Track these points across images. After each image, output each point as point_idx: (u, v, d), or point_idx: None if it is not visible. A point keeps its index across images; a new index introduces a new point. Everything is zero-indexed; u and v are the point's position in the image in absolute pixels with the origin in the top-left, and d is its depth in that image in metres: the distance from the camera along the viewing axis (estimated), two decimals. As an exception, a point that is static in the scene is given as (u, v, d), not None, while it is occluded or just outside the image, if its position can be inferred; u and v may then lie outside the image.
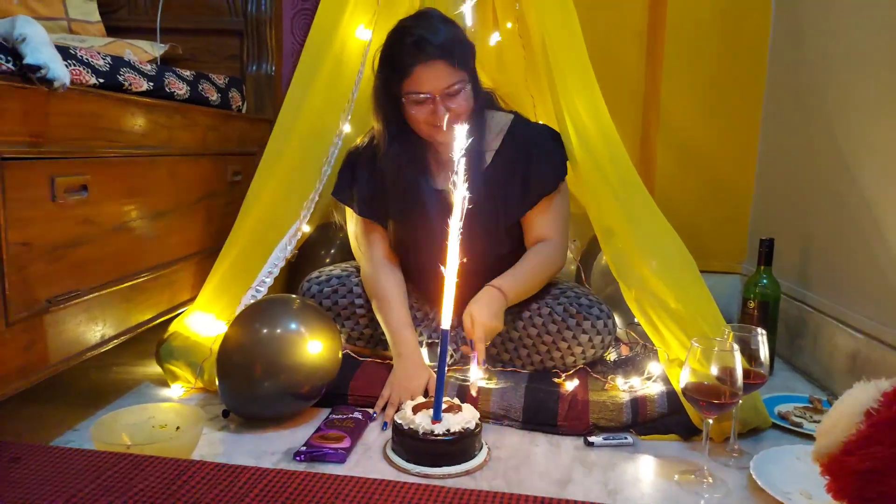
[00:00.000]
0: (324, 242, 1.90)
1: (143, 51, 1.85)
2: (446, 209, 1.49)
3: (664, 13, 2.15)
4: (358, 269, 1.68)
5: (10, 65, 1.02)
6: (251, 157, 1.90)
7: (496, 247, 1.55)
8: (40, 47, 1.03)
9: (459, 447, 1.18)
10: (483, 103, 1.56)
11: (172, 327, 1.57)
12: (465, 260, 1.28)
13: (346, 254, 1.88)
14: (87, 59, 1.23)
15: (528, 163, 1.54)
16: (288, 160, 1.64)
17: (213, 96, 1.74)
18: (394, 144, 1.52)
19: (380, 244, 1.61)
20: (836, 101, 1.68)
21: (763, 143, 2.17)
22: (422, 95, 1.42)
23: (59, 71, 1.03)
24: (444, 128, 1.43)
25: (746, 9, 2.12)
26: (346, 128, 1.69)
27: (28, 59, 1.01)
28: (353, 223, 1.65)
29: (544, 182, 1.54)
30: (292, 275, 1.84)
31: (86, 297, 1.21)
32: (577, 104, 1.63)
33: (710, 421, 1.15)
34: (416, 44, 1.40)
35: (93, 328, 1.24)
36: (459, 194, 1.24)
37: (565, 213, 1.61)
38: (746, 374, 1.15)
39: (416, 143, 1.54)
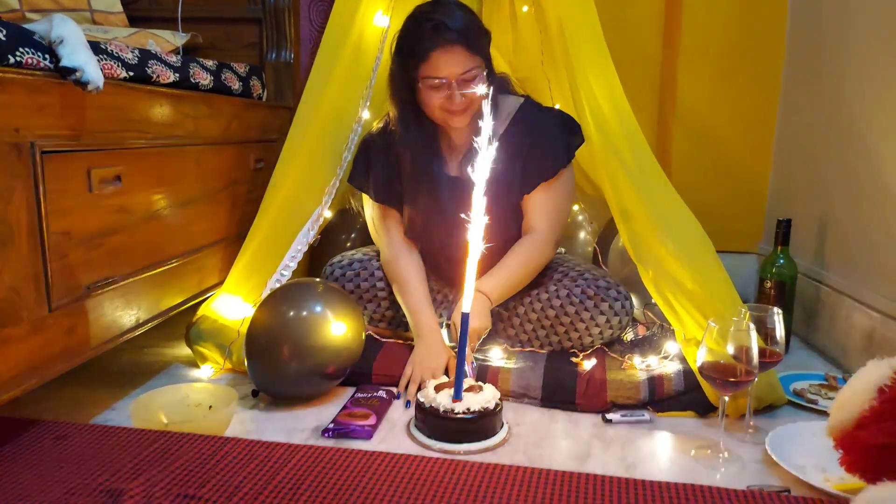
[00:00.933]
0: (345, 227, 1.94)
1: (166, 40, 1.89)
2: (458, 195, 1.52)
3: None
4: (379, 254, 1.72)
5: (48, 62, 1.06)
6: (272, 144, 1.94)
7: (503, 229, 1.56)
8: (76, 49, 1.06)
9: (479, 425, 1.22)
10: (496, 88, 1.57)
11: (201, 311, 1.62)
12: (482, 245, 1.30)
13: (366, 238, 1.92)
14: (117, 53, 1.27)
15: (530, 147, 1.55)
16: (309, 147, 1.68)
17: (235, 85, 1.77)
18: (410, 129, 1.54)
19: (397, 228, 1.64)
20: (854, 82, 1.68)
21: (780, 124, 2.17)
22: (438, 80, 1.44)
23: (94, 73, 1.07)
24: (459, 113, 1.46)
25: (764, -11, 2.12)
26: (365, 114, 1.73)
27: (64, 62, 1.05)
28: (369, 208, 1.69)
29: (544, 168, 1.55)
30: (315, 259, 1.88)
31: (122, 283, 1.26)
32: (594, 87, 1.64)
33: (727, 398, 1.17)
34: (435, 28, 1.42)
35: (128, 312, 1.30)
36: (479, 184, 1.25)
37: (561, 202, 1.61)
38: (762, 352, 1.18)
39: (430, 128, 1.56)
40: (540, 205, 1.56)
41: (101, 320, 1.21)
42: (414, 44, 1.45)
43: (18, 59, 1.02)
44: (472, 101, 1.48)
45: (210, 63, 1.66)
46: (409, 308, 1.55)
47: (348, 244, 1.92)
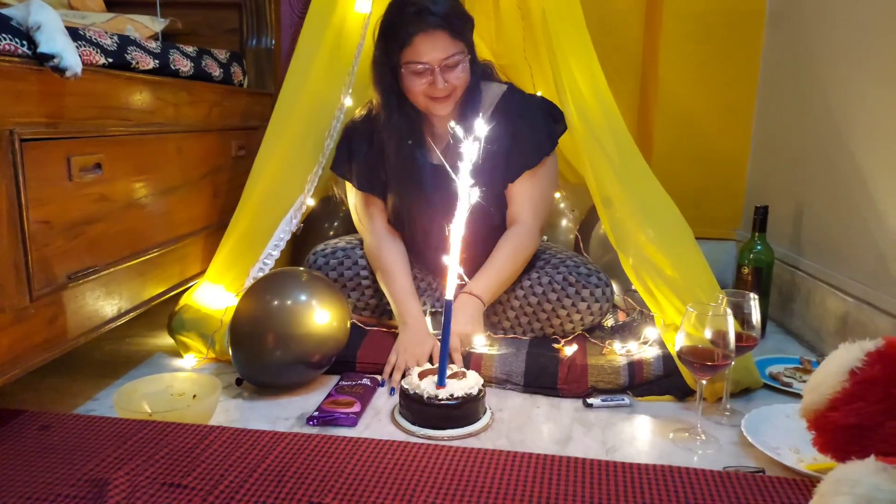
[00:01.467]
0: (327, 215, 1.94)
1: (144, 26, 1.86)
2: (442, 183, 1.53)
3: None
4: (362, 242, 1.72)
5: (25, 49, 1.05)
6: (254, 131, 1.93)
7: (486, 217, 1.57)
8: (54, 35, 1.05)
9: (463, 411, 1.23)
10: (479, 76, 1.58)
11: (183, 300, 1.61)
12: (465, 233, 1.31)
13: (349, 227, 1.92)
14: (95, 39, 1.25)
15: (514, 135, 1.55)
16: (291, 135, 1.67)
17: (216, 72, 1.76)
18: (393, 116, 1.54)
19: (380, 217, 1.65)
20: (829, 72, 1.71)
21: (758, 112, 2.20)
22: (420, 66, 1.44)
23: (72, 60, 1.06)
24: (442, 100, 1.46)
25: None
26: (348, 101, 1.72)
27: (42, 48, 1.04)
28: (352, 196, 1.69)
29: (527, 155, 1.55)
30: (297, 247, 1.88)
31: (103, 273, 1.26)
32: (576, 74, 1.66)
33: (704, 382, 1.20)
34: (418, 13, 1.42)
35: (110, 302, 1.29)
36: (464, 173, 1.26)
37: (546, 190, 1.62)
38: (739, 337, 1.21)
39: (414, 115, 1.56)
40: (525, 193, 1.57)
41: (82, 310, 1.21)
42: (397, 29, 1.45)
43: (-5, 45, 1.01)
44: (455, 87, 1.48)
45: (190, 49, 1.65)
46: (394, 296, 1.56)
47: (331, 232, 1.92)
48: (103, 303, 1.27)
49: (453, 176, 1.29)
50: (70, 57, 1.07)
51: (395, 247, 1.62)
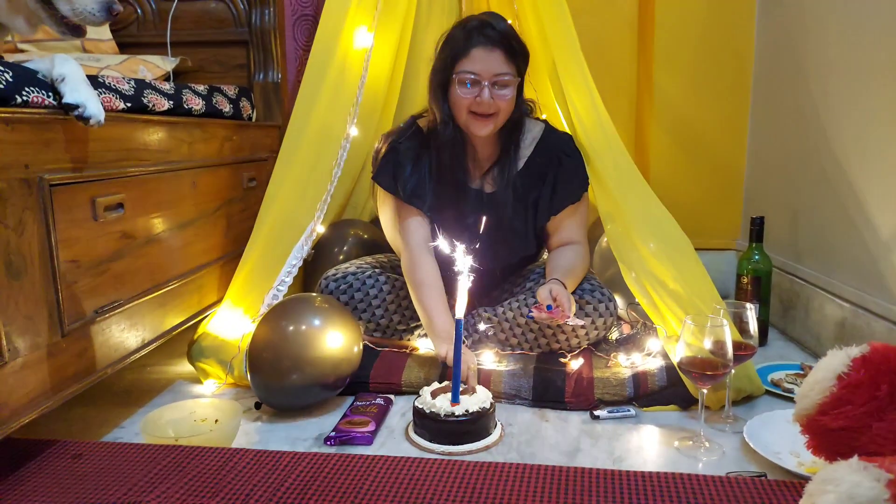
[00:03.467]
0: (337, 240, 2.00)
1: (156, 66, 1.95)
2: (479, 207, 1.63)
3: (653, 5, 2.23)
4: (371, 265, 1.78)
5: (51, 100, 1.12)
6: (264, 162, 2.00)
7: (523, 248, 1.68)
8: (78, 86, 1.12)
9: (477, 426, 1.28)
10: (523, 111, 1.67)
11: (201, 328, 1.67)
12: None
13: (359, 251, 1.99)
14: (114, 85, 1.33)
15: (557, 170, 1.65)
16: (300, 164, 1.74)
17: (226, 108, 1.83)
18: (448, 129, 1.59)
19: (419, 230, 1.65)
20: (822, 80, 1.76)
21: (752, 124, 2.25)
22: (472, 76, 1.51)
23: (95, 108, 1.13)
24: (484, 119, 1.53)
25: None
26: (353, 131, 1.79)
27: (67, 99, 1.11)
28: (389, 210, 1.72)
29: (572, 190, 1.66)
30: (309, 272, 1.95)
31: (127, 306, 1.32)
32: (573, 96, 1.73)
33: (706, 391, 1.24)
34: (479, 27, 1.52)
35: (134, 333, 1.35)
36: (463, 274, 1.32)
37: (586, 219, 1.74)
38: (738, 345, 1.26)
39: (459, 135, 1.62)
40: (571, 221, 1.68)
41: (109, 342, 1.27)
42: (457, 40, 1.54)
43: (25, 98, 1.08)
44: (499, 109, 1.55)
45: (201, 88, 1.72)
46: (427, 311, 1.56)
47: (341, 257, 1.98)
48: (128, 334, 1.33)
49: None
50: (93, 106, 1.14)
51: (431, 261, 1.62)
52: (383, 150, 1.69)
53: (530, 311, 1.47)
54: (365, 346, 1.57)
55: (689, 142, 2.29)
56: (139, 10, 2.17)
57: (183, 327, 1.57)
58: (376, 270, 1.75)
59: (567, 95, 1.74)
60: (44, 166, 1.10)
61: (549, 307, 1.43)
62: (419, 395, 1.37)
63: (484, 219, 1.57)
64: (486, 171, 1.68)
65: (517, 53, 1.55)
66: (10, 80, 1.06)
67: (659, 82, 2.26)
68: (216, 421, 1.34)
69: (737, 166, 2.29)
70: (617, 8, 2.33)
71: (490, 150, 1.68)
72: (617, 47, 2.36)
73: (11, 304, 1.02)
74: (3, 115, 1.01)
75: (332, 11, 1.81)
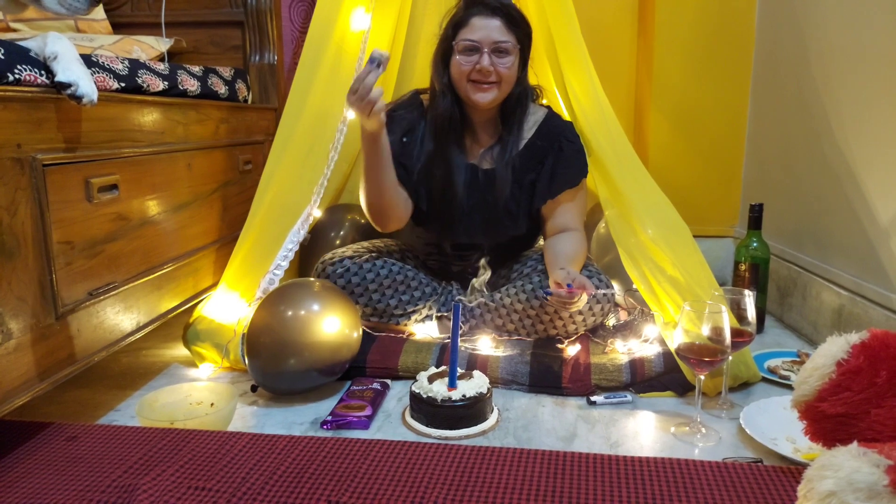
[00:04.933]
0: (334, 225, 1.99)
1: (150, 46, 1.93)
2: (474, 183, 1.63)
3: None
4: (368, 250, 1.77)
5: (44, 78, 1.10)
6: (259, 145, 1.98)
7: (515, 228, 1.68)
8: (70, 65, 1.11)
9: (474, 410, 1.28)
10: (528, 94, 1.67)
11: (197, 312, 1.66)
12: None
13: (356, 235, 1.97)
14: (108, 65, 1.31)
15: (557, 155, 1.65)
16: (296, 148, 1.72)
17: (222, 89, 1.81)
18: (445, 100, 1.62)
19: None
20: (823, 66, 1.75)
21: (752, 110, 2.24)
22: (470, 42, 1.54)
23: (87, 87, 1.11)
24: (485, 87, 1.54)
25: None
26: (350, 115, 1.77)
27: (59, 77, 1.09)
28: None
29: (571, 175, 1.65)
30: (305, 257, 1.93)
31: (122, 289, 1.31)
32: (572, 80, 1.72)
33: (703, 377, 1.24)
34: (481, 1, 1.56)
35: (129, 316, 1.34)
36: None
37: (585, 207, 1.74)
38: (736, 332, 1.25)
39: (458, 111, 1.64)
40: (568, 206, 1.68)
41: (103, 325, 1.26)
42: (459, 14, 1.58)
43: (17, 76, 1.06)
44: (500, 77, 1.57)
45: (196, 69, 1.70)
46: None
47: (338, 241, 1.97)
48: (122, 317, 1.32)
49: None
50: (86, 85, 1.12)
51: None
52: None
53: (548, 289, 1.46)
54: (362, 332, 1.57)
55: (689, 127, 2.28)
56: (134, -11, 2.14)
57: (178, 310, 1.56)
58: (373, 255, 1.74)
59: (566, 79, 1.73)
60: (36, 146, 1.08)
61: (568, 285, 1.42)
62: (416, 380, 1.36)
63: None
64: (487, 148, 1.68)
65: (517, 23, 1.58)
66: (2, 57, 1.04)
67: (658, 67, 2.24)
68: (212, 404, 1.34)
69: (736, 153, 2.29)
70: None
71: (491, 129, 1.69)
72: (616, 31, 2.34)
73: (4, 284, 1.01)
74: (-6, 93, 1.00)
75: (329, -10, 1.79)
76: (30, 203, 1.07)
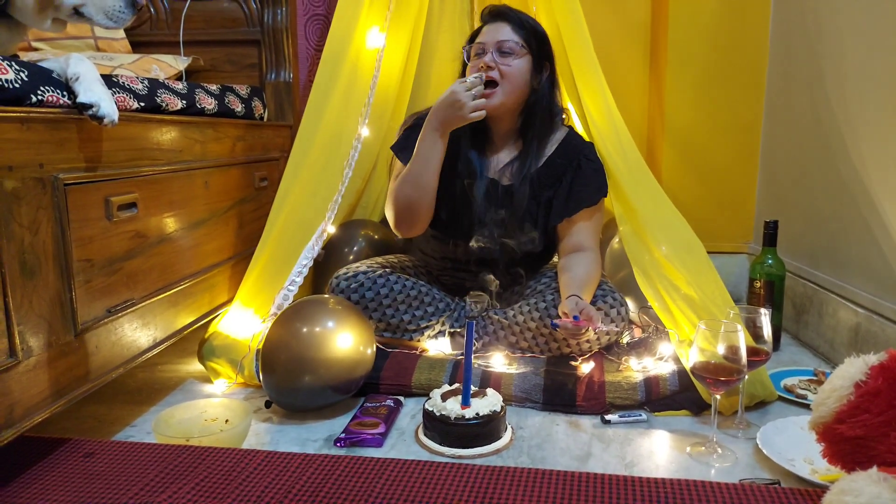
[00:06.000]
0: (347, 241, 2.00)
1: (169, 65, 1.95)
2: (490, 197, 1.65)
3: (666, 4, 2.21)
4: (381, 265, 1.78)
5: (66, 99, 1.12)
6: (275, 162, 2.00)
7: (530, 245, 1.68)
8: (92, 86, 1.13)
9: (488, 429, 1.28)
10: (549, 107, 1.68)
11: (212, 328, 1.68)
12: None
13: (369, 251, 1.99)
14: (128, 85, 1.33)
15: (576, 173, 1.66)
16: (311, 165, 1.74)
17: (238, 107, 1.84)
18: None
19: None
20: (838, 82, 1.74)
21: (766, 126, 2.23)
22: (479, 44, 1.61)
23: (109, 108, 1.13)
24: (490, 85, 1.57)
25: (746, -4, 2.18)
26: (365, 132, 1.80)
27: (81, 98, 1.11)
28: (393, 177, 1.75)
29: (589, 194, 1.65)
30: (319, 273, 1.95)
31: (139, 305, 1.32)
32: (587, 96, 1.74)
33: (718, 396, 1.24)
34: (491, 10, 1.64)
35: (146, 332, 1.35)
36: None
37: (601, 227, 1.74)
38: (751, 351, 1.24)
39: (481, 129, 1.68)
40: (585, 225, 1.68)
41: (121, 341, 1.27)
42: (475, 29, 1.69)
43: (40, 97, 1.08)
44: (504, 76, 1.59)
45: (214, 87, 1.73)
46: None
47: (351, 257, 1.98)
48: (140, 333, 1.33)
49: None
50: (107, 105, 1.14)
51: None
52: (407, 125, 1.76)
53: (554, 321, 1.46)
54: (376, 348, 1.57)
55: (702, 143, 2.28)
56: (152, 10, 2.18)
57: (194, 326, 1.57)
58: (387, 270, 1.75)
59: (581, 96, 1.74)
60: (58, 165, 1.10)
61: (575, 317, 1.42)
62: (429, 398, 1.36)
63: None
64: (507, 163, 1.69)
65: (525, 26, 1.63)
66: (26, 79, 1.06)
67: (671, 83, 2.25)
68: (227, 421, 1.34)
69: (749, 168, 2.28)
70: (629, 11, 2.32)
71: (511, 143, 1.71)
72: (628, 48, 2.35)
73: (25, 303, 1.03)
74: (18, 114, 1.02)
75: (344, 12, 1.81)
76: (51, 222, 1.08)
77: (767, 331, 1.29)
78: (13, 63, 1.06)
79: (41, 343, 1.06)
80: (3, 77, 1.01)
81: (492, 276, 1.70)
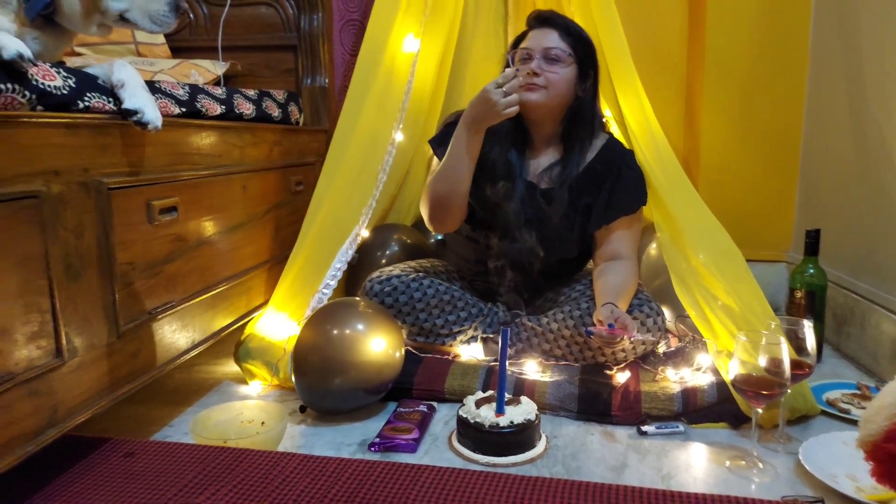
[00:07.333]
0: (381, 244, 2.01)
1: (207, 70, 1.98)
2: (528, 200, 1.64)
3: (704, 9, 2.18)
4: (415, 269, 1.78)
5: (111, 105, 1.15)
6: (311, 166, 2.02)
7: (566, 251, 1.67)
8: (136, 92, 1.15)
9: (522, 438, 1.27)
10: (591, 114, 1.67)
11: (248, 330, 1.69)
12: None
13: (402, 255, 1.99)
14: (169, 90, 1.35)
15: (616, 181, 1.64)
16: (346, 170, 1.75)
17: (275, 112, 1.86)
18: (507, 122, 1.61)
19: None
20: (878, 89, 1.70)
21: (806, 133, 2.19)
22: (525, 49, 1.61)
23: (152, 114, 1.16)
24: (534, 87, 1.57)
25: (787, -1, 2.14)
26: (399, 137, 1.80)
27: (126, 104, 1.14)
28: (430, 171, 1.75)
29: (628, 202, 1.64)
30: (353, 276, 1.95)
31: (178, 308, 1.34)
32: (623, 102, 1.72)
33: (760, 410, 1.21)
34: (538, 16, 1.64)
35: (185, 334, 1.37)
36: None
37: (639, 235, 1.72)
38: (794, 364, 1.21)
39: (522, 130, 1.68)
40: (623, 233, 1.66)
41: (161, 343, 1.29)
42: (521, 33, 1.69)
43: (87, 103, 1.10)
44: (549, 82, 1.59)
45: (251, 93, 1.75)
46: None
47: (384, 261, 1.99)
48: (179, 335, 1.35)
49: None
50: (151, 112, 1.16)
51: None
52: (448, 121, 1.75)
53: (588, 328, 1.44)
54: (408, 352, 1.57)
55: (741, 151, 2.24)
56: (191, 15, 2.21)
57: (231, 328, 1.59)
58: (420, 274, 1.75)
59: (618, 101, 1.72)
60: (102, 170, 1.12)
61: (610, 325, 1.40)
62: (463, 404, 1.36)
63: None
64: (546, 168, 1.68)
65: (573, 34, 1.62)
66: (74, 85, 1.08)
67: (709, 89, 2.21)
68: (262, 423, 1.35)
69: (789, 175, 2.23)
70: (665, 17, 2.29)
71: (552, 147, 1.70)
72: (666, 52, 2.31)
73: (70, 305, 1.05)
74: (64, 119, 1.04)
75: (379, 18, 1.82)
76: (95, 226, 1.10)
77: (811, 343, 1.26)
78: (61, 70, 1.08)
79: (85, 344, 1.08)
80: (52, 83, 1.04)
81: (518, 297, 1.70)
